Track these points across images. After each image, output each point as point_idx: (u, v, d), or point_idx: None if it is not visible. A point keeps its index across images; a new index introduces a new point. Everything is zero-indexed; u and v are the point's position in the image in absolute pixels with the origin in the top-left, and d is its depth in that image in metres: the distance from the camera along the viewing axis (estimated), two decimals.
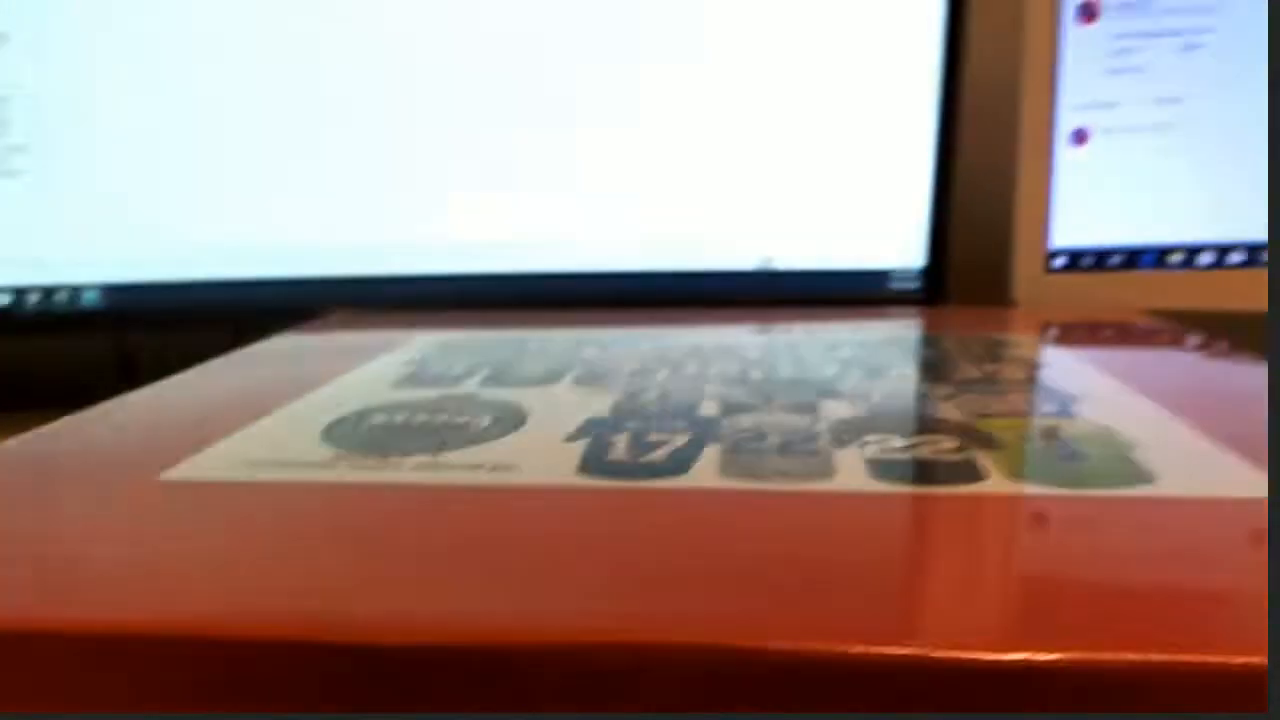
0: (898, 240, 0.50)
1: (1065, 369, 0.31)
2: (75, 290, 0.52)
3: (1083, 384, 0.28)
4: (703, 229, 0.50)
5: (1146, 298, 0.46)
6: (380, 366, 0.33)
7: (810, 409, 0.26)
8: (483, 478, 0.21)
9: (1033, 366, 0.31)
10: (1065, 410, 0.26)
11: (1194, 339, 0.35)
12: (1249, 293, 0.45)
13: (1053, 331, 0.37)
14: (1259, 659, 0.13)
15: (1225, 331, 0.36)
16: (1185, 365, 0.31)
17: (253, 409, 0.27)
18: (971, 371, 0.30)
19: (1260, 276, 0.45)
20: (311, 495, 0.20)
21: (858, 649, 0.13)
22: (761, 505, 0.19)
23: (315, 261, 0.52)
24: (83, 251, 0.52)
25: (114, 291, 0.52)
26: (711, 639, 0.14)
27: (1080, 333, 0.37)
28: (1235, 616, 0.14)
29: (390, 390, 0.29)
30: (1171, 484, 0.20)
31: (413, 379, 0.31)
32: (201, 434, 0.25)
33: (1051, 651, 0.13)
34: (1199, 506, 0.18)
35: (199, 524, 0.19)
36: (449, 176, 0.51)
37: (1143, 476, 0.20)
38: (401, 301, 0.51)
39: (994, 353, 0.33)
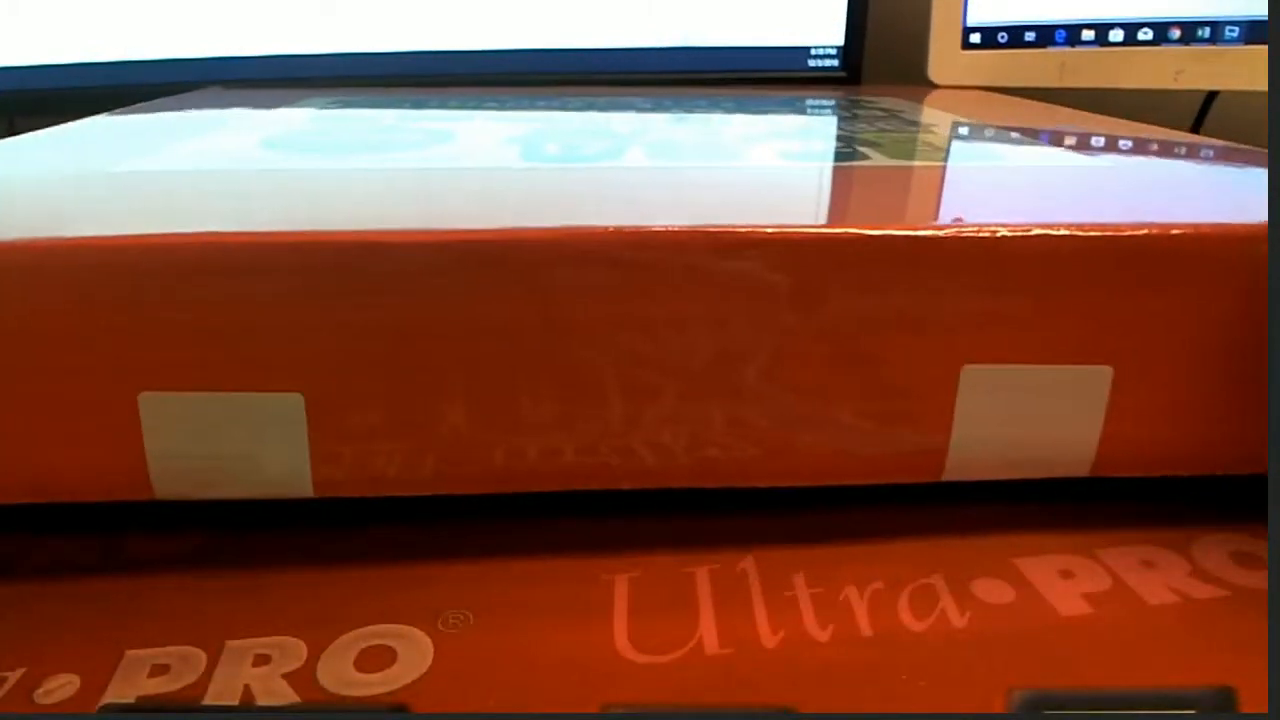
0: (817, 18, 0.50)
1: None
2: None
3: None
4: (624, 5, 0.49)
5: (1058, 76, 0.45)
6: (258, 131, 0.34)
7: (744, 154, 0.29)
8: (434, 163, 0.23)
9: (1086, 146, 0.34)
10: None
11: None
12: (1157, 70, 0.44)
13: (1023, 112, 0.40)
14: None
15: (1136, 107, 0.38)
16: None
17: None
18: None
19: (1167, 53, 0.45)
20: (262, 178, 0.21)
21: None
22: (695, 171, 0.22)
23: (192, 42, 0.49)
24: None
25: None
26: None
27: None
28: None
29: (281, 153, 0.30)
30: None
31: (316, 134, 0.32)
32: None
33: None
34: None
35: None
36: None
37: None
38: (278, 79, 0.49)
39: (994, 134, 0.37)
